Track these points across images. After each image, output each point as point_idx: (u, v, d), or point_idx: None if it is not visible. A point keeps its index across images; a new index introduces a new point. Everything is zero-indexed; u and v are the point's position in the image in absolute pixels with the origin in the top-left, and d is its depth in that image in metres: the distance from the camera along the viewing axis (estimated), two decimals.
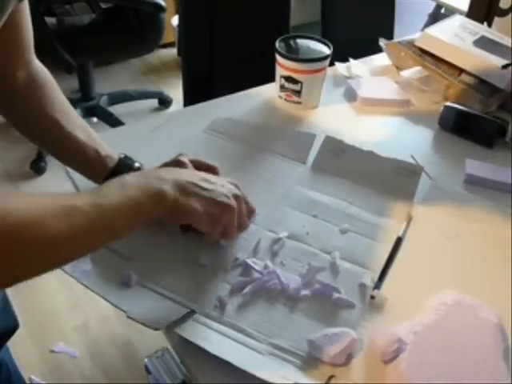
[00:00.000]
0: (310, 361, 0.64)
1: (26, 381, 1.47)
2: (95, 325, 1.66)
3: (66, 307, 1.70)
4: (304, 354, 0.65)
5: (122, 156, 0.80)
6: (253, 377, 0.61)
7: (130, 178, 0.65)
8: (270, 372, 0.61)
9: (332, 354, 0.63)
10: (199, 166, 0.78)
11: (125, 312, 0.67)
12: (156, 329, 0.65)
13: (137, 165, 0.80)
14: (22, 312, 1.59)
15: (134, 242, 0.76)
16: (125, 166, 0.79)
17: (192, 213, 0.67)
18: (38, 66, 0.79)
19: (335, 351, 0.63)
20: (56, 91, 0.80)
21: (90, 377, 1.54)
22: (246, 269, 0.74)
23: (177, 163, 0.77)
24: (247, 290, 0.71)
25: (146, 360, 1.38)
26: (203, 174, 0.72)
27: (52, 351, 1.59)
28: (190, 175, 0.70)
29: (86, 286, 0.71)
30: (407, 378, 0.61)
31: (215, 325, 0.67)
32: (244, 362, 0.62)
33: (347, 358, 0.64)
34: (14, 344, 0.95)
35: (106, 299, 0.69)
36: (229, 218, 0.71)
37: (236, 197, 0.72)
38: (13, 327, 0.89)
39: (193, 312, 0.68)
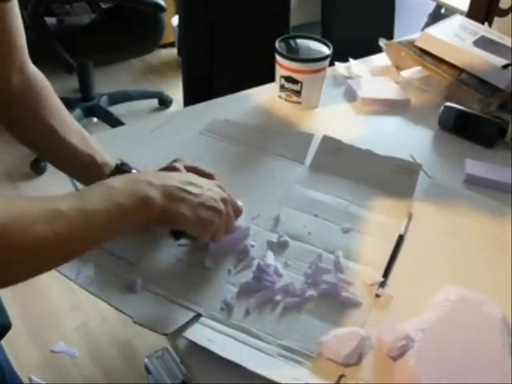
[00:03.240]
0: (319, 361, 0.64)
1: (26, 381, 1.47)
2: (95, 325, 1.66)
3: (66, 307, 1.70)
4: (314, 355, 0.65)
5: (119, 163, 0.79)
6: (253, 377, 0.61)
7: (116, 182, 0.63)
8: (280, 373, 0.61)
9: (344, 354, 0.63)
10: (196, 172, 0.76)
11: (131, 317, 0.66)
12: (164, 334, 0.65)
13: (134, 171, 0.79)
14: (22, 312, 1.59)
15: (137, 247, 0.76)
16: (121, 173, 0.76)
17: (181, 219, 0.67)
18: (34, 70, 0.78)
19: (347, 351, 0.64)
20: (52, 97, 0.78)
21: (90, 377, 1.54)
22: (258, 272, 0.73)
23: (172, 170, 0.76)
24: (256, 298, 0.70)
25: (145, 360, 1.38)
26: (190, 178, 0.71)
27: (52, 351, 1.58)
28: (178, 180, 0.69)
29: (90, 292, 0.70)
30: (416, 375, 0.61)
31: (223, 327, 0.67)
32: (254, 364, 0.62)
33: (358, 357, 0.64)
34: (14, 344, 0.95)
35: (111, 305, 0.69)
36: (218, 222, 0.70)
37: (224, 200, 0.72)
38: (6, 327, 0.89)
39: (199, 315, 0.68)
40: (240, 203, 0.78)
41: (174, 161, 0.78)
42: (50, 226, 0.55)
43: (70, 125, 0.78)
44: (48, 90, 0.79)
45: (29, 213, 0.54)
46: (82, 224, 0.58)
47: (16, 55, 0.75)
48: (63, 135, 0.76)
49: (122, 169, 0.78)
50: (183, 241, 0.75)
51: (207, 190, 0.70)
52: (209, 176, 0.78)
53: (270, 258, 0.75)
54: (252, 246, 0.78)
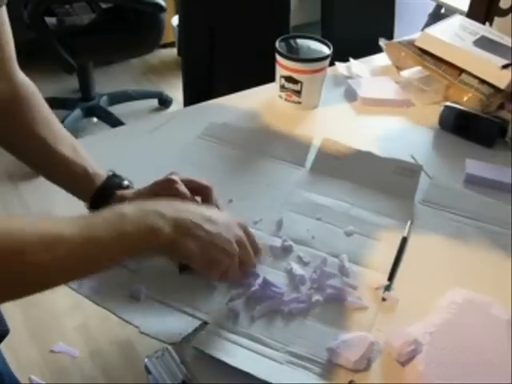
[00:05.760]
0: (328, 367, 0.64)
1: (26, 381, 1.47)
2: (95, 324, 1.66)
3: (66, 307, 1.70)
4: (322, 361, 0.64)
5: (111, 174, 0.77)
6: (252, 377, 0.61)
7: (128, 209, 0.61)
8: (289, 381, 0.61)
9: (353, 359, 0.63)
10: (191, 186, 0.74)
11: (137, 327, 0.65)
12: (171, 344, 0.65)
13: (125, 183, 0.77)
14: (22, 312, 1.59)
15: (140, 255, 0.75)
16: (113, 184, 0.76)
17: (188, 254, 0.64)
18: (22, 78, 0.76)
19: (356, 357, 0.63)
20: (41, 106, 0.77)
21: (90, 377, 1.53)
22: (264, 284, 0.72)
23: (167, 183, 0.74)
24: (262, 307, 0.70)
25: (145, 360, 1.38)
26: (209, 213, 0.67)
27: (52, 351, 1.58)
28: (195, 214, 0.65)
29: (95, 302, 0.70)
30: (426, 379, 0.61)
31: (230, 335, 0.66)
32: (263, 371, 0.61)
33: (367, 362, 0.64)
34: (15, 344, 0.95)
35: (116, 315, 0.68)
36: (228, 263, 0.67)
37: (239, 243, 0.68)
38: (3, 333, 0.89)
39: (205, 323, 0.68)
40: (260, 247, 0.74)
41: (171, 173, 0.76)
42: (52, 251, 0.54)
43: (61, 135, 0.77)
44: (37, 99, 0.77)
45: (30, 236, 0.53)
46: (84, 252, 0.56)
47: (3, 65, 0.73)
48: (54, 146, 0.75)
49: (113, 180, 0.77)
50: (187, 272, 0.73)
51: (224, 229, 0.67)
52: (205, 189, 0.75)
53: (298, 269, 0.75)
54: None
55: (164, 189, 0.73)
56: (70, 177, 0.76)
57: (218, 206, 0.76)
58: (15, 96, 0.75)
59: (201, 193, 0.76)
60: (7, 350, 0.93)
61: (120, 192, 0.76)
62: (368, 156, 0.94)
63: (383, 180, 0.91)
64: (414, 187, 0.90)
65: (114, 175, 0.78)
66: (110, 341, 1.63)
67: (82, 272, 0.60)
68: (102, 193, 0.75)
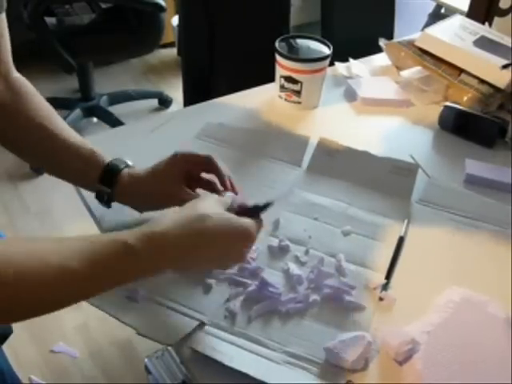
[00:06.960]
0: (326, 367, 0.64)
1: (26, 381, 1.47)
2: (95, 325, 1.66)
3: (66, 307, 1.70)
4: (320, 361, 0.64)
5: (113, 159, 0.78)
6: (251, 377, 0.61)
7: (141, 250, 0.58)
8: (287, 381, 0.61)
9: (351, 360, 0.63)
10: (196, 161, 0.77)
11: (135, 329, 0.65)
12: (169, 344, 0.65)
13: (130, 162, 0.79)
14: None
15: None
16: (118, 162, 0.77)
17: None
18: (18, 76, 0.78)
19: (354, 357, 0.63)
20: (38, 98, 0.78)
21: (90, 377, 1.53)
22: (261, 284, 0.72)
23: (208, 161, 0.77)
24: (259, 307, 0.70)
25: (145, 360, 1.38)
26: (231, 255, 0.65)
27: (52, 351, 1.58)
28: (213, 262, 0.66)
29: (93, 304, 0.70)
30: (424, 378, 0.62)
31: (227, 336, 0.66)
32: (261, 372, 0.61)
33: (365, 362, 0.64)
34: (15, 344, 0.95)
35: (114, 316, 0.68)
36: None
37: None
38: (6, 332, 0.89)
39: (203, 324, 0.68)
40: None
41: (175, 154, 0.77)
42: (62, 287, 0.58)
43: (60, 123, 0.78)
44: (33, 92, 0.78)
45: (44, 268, 0.55)
46: (90, 287, 0.59)
47: (1, 66, 0.75)
48: (56, 131, 0.76)
49: (118, 159, 0.77)
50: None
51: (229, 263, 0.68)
52: (208, 163, 0.77)
53: (295, 269, 0.75)
54: (253, 259, 0.76)
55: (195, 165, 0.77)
56: (77, 158, 0.76)
57: (222, 174, 0.76)
58: (13, 92, 0.76)
59: (207, 168, 0.77)
60: (7, 350, 0.93)
61: (128, 170, 0.77)
62: (365, 155, 0.94)
63: (380, 179, 0.91)
64: (411, 186, 0.90)
65: (117, 158, 0.79)
66: (110, 341, 1.63)
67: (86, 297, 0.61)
68: (108, 172, 0.76)
